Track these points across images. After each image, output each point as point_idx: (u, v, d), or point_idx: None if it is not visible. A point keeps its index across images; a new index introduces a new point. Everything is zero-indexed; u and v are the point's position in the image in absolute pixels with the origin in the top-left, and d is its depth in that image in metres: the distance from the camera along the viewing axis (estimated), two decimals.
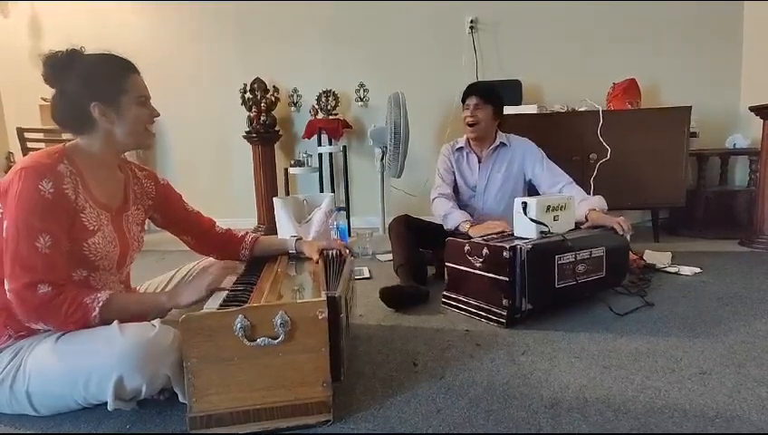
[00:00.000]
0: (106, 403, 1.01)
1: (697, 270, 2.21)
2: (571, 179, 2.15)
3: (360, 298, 1.94)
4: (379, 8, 3.57)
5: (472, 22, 3.48)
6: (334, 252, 1.46)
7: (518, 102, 3.19)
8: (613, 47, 3.40)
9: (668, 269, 2.24)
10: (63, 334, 1.06)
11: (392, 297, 1.81)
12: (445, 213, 2.15)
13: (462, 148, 2.33)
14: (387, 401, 1.14)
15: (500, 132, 2.30)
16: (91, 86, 1.10)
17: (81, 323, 1.04)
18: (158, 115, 1.22)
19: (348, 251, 1.46)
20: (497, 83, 3.11)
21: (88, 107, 1.10)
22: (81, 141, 1.16)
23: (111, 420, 1.07)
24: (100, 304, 1.04)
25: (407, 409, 1.11)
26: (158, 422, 1.07)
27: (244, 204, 3.74)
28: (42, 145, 3.13)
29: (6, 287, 1.01)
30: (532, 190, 2.31)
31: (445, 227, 2.17)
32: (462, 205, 2.27)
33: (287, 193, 3.61)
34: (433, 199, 2.25)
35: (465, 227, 2.01)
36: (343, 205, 3.52)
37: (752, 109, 2.72)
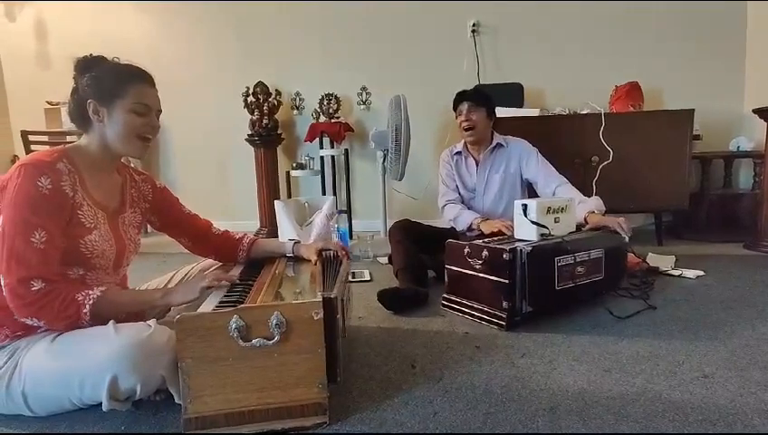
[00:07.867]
0: (101, 404, 1.00)
1: (701, 273, 2.19)
2: (565, 180, 2.15)
3: (360, 300, 1.93)
4: (381, 12, 3.59)
5: (474, 25, 3.49)
6: (332, 253, 1.46)
7: (520, 106, 3.18)
8: (615, 50, 3.39)
9: (671, 272, 2.22)
10: (59, 335, 1.06)
11: (390, 299, 1.80)
12: (455, 216, 2.23)
13: (460, 152, 2.36)
14: (384, 402, 1.13)
15: (496, 134, 2.31)
16: (94, 85, 1.13)
17: (74, 320, 1.04)
18: (157, 127, 1.21)
19: (345, 253, 1.46)
20: (498, 86, 3.12)
21: (86, 103, 1.14)
22: (83, 141, 1.19)
23: (107, 420, 1.07)
24: (91, 302, 1.04)
25: (404, 411, 1.09)
26: (153, 423, 1.06)
27: (246, 207, 3.74)
28: (46, 148, 3.14)
29: (2, 283, 1.02)
30: (531, 191, 2.32)
31: (457, 229, 2.22)
32: None
33: (289, 196, 3.61)
34: (442, 207, 2.33)
35: (476, 223, 2.10)
36: (345, 208, 3.52)
37: (755, 111, 2.70)
